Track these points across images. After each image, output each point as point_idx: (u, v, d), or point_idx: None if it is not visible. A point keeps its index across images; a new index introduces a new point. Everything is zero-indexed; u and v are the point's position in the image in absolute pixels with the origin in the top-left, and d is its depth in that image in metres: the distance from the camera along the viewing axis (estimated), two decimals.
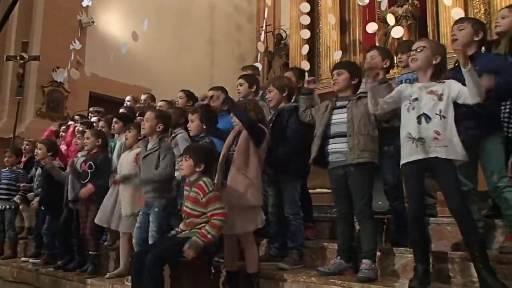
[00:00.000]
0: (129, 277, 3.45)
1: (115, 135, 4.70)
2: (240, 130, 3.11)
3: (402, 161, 2.59)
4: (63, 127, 5.84)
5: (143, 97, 5.83)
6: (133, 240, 3.55)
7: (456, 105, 2.52)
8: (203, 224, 2.90)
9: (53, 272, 4.38)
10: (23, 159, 5.73)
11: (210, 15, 10.87)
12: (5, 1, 1.78)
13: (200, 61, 10.18)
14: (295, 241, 3.27)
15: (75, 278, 4.08)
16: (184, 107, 4.44)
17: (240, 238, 3.04)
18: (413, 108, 2.55)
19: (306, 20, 7.55)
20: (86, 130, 4.67)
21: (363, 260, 2.78)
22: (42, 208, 4.88)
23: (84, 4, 7.23)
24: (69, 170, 4.37)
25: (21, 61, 7.67)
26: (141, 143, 3.73)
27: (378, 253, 2.90)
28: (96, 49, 8.62)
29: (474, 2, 7.56)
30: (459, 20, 3.03)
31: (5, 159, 5.60)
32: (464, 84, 2.48)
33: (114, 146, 4.52)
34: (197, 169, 2.99)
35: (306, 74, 4.66)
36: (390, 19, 7.16)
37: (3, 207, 5.48)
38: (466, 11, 7.18)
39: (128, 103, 6.02)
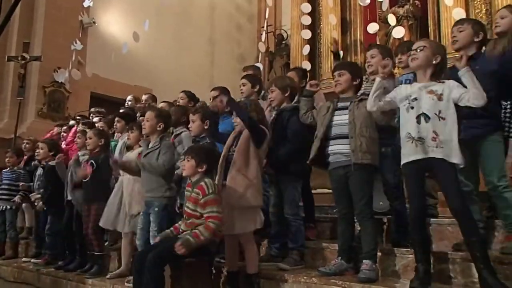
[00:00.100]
0: (130, 277, 3.46)
1: (115, 134, 4.70)
2: (240, 130, 3.11)
3: (402, 161, 2.59)
4: (64, 127, 5.84)
5: (144, 97, 5.83)
6: (137, 242, 3.56)
7: (458, 106, 2.52)
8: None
9: (54, 272, 4.39)
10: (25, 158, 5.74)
11: (211, 15, 10.88)
12: (6, 2, 1.78)
13: (200, 61, 10.19)
14: (296, 242, 3.28)
15: (76, 278, 4.08)
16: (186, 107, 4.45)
17: (240, 238, 3.04)
18: (412, 108, 2.55)
19: (307, 20, 7.56)
20: (87, 130, 4.68)
21: (364, 261, 2.78)
22: (45, 208, 4.88)
23: (85, 4, 7.25)
24: (72, 167, 4.36)
25: (23, 62, 7.70)
26: (142, 142, 3.74)
27: (379, 254, 2.90)
28: (97, 49, 8.63)
29: (475, 2, 7.56)
30: (459, 22, 3.03)
31: (6, 159, 5.61)
32: (463, 85, 2.49)
33: (115, 146, 4.52)
34: (199, 170, 3.00)
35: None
36: (391, 20, 7.17)
37: (4, 207, 5.49)
38: (467, 11, 7.18)
39: (129, 103, 6.02)
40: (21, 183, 5.44)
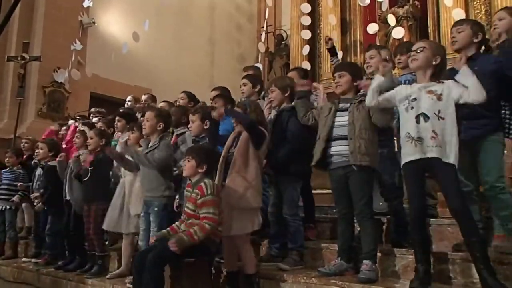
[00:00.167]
0: (130, 277, 3.46)
1: (115, 134, 4.70)
2: (240, 131, 3.11)
3: (402, 161, 2.60)
4: (64, 127, 5.84)
5: (144, 97, 5.83)
6: (139, 243, 3.56)
7: (458, 106, 2.52)
8: None
9: (54, 272, 4.39)
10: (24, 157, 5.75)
11: (210, 15, 10.88)
12: (6, 2, 1.78)
13: (200, 61, 10.19)
14: (295, 242, 3.28)
15: (76, 278, 4.08)
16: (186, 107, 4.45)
17: (236, 239, 3.02)
18: (412, 108, 2.55)
19: (307, 20, 7.56)
20: (87, 130, 4.69)
21: (364, 261, 2.78)
22: (45, 208, 4.88)
23: (85, 4, 7.25)
24: (73, 167, 4.36)
25: (22, 62, 7.69)
26: (142, 141, 3.74)
27: (379, 254, 2.90)
28: (97, 49, 8.63)
29: (474, 2, 7.58)
30: (458, 22, 3.03)
31: (6, 159, 5.61)
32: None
33: (115, 146, 4.52)
34: (200, 170, 3.00)
35: None
36: (391, 20, 7.17)
37: (4, 207, 5.49)
38: (466, 12, 7.19)
39: (129, 103, 6.02)
40: (19, 183, 5.44)
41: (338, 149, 2.92)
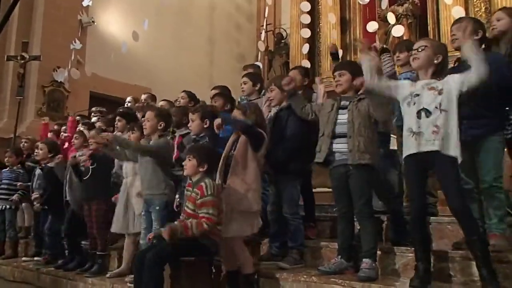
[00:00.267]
0: (130, 276, 3.46)
1: (115, 133, 4.70)
2: (239, 134, 3.11)
3: (403, 155, 2.61)
4: (64, 127, 5.84)
5: (143, 97, 5.83)
6: (140, 241, 3.56)
7: (461, 100, 2.51)
8: None
9: (54, 271, 4.39)
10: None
11: (210, 14, 10.87)
12: (5, 1, 1.78)
13: (200, 61, 10.18)
14: (295, 241, 3.27)
15: (76, 277, 4.08)
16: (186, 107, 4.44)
17: (229, 241, 3.00)
18: (414, 104, 2.56)
19: (307, 19, 7.54)
20: (86, 130, 4.69)
21: (364, 259, 2.78)
22: (45, 207, 4.88)
23: (84, 4, 7.23)
24: (70, 162, 4.36)
25: (22, 61, 7.69)
26: (143, 141, 3.75)
27: (379, 252, 2.90)
28: (96, 48, 8.62)
29: (474, 0, 7.57)
30: (458, 20, 3.03)
31: (6, 159, 5.61)
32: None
33: None
34: (201, 169, 3.00)
35: None
36: (391, 18, 7.16)
37: (3, 207, 5.50)
38: (466, 9, 7.18)
39: (129, 104, 6.02)
40: (19, 183, 5.44)
41: (339, 146, 2.92)
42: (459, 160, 2.44)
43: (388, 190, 3.23)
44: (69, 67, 7.44)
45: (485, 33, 2.94)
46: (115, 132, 4.72)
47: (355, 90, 3.05)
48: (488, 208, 2.77)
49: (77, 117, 6.05)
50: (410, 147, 2.54)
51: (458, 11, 6.00)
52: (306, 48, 7.88)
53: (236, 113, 3.25)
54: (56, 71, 7.98)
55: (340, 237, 3.02)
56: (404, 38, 6.99)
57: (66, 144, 5.45)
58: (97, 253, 4.10)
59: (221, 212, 2.94)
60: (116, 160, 4.14)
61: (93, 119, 5.81)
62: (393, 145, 3.74)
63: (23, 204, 5.60)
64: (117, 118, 4.58)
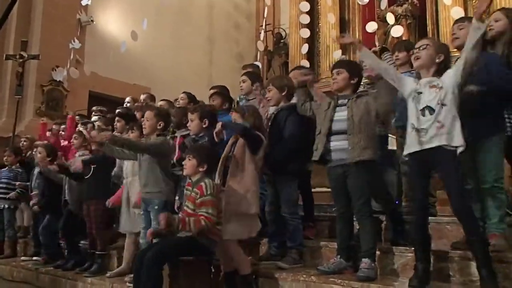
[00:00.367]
0: (129, 275, 3.46)
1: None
2: (237, 136, 3.11)
3: (405, 152, 2.61)
4: (63, 126, 5.83)
5: (142, 97, 5.83)
6: (140, 241, 3.56)
7: (462, 104, 2.52)
8: None
9: (53, 271, 4.39)
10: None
11: (209, 14, 10.86)
12: (4, 1, 1.78)
13: (199, 60, 10.18)
14: (294, 241, 3.27)
15: (75, 277, 4.07)
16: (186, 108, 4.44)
17: (225, 244, 2.99)
18: (418, 101, 2.57)
19: (306, 19, 7.54)
20: (84, 131, 4.70)
21: (363, 259, 2.78)
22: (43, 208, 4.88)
23: (83, 3, 7.22)
24: (54, 169, 4.37)
25: (21, 60, 7.65)
26: (142, 141, 3.74)
27: (378, 252, 2.90)
28: (95, 48, 8.61)
29: (473, 1, 7.58)
30: (460, 20, 3.05)
31: (4, 158, 5.61)
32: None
33: None
34: (200, 169, 2.99)
35: None
36: (390, 18, 7.16)
37: (2, 206, 5.49)
38: (465, 10, 7.19)
39: (128, 104, 6.01)
40: (17, 183, 5.43)
41: (338, 143, 2.92)
42: (464, 147, 2.45)
43: (386, 190, 3.23)
44: (68, 66, 7.43)
45: (485, 33, 2.93)
46: (114, 132, 4.73)
47: (353, 89, 3.06)
48: (488, 208, 2.77)
49: (77, 117, 6.05)
50: (413, 145, 2.55)
51: (457, 12, 6.01)
52: (305, 48, 7.88)
53: (235, 116, 3.25)
54: (55, 70, 7.98)
55: (339, 237, 3.02)
56: (403, 38, 7.01)
57: (65, 142, 5.46)
58: (96, 252, 4.10)
59: (220, 212, 2.94)
60: (117, 161, 4.14)
61: (93, 118, 5.80)
62: (392, 146, 3.76)
63: (22, 203, 5.59)
64: (116, 118, 4.58)
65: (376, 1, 7.44)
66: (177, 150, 3.74)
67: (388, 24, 7.56)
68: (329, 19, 8.12)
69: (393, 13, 7.64)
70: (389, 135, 3.70)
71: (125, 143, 3.51)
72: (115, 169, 4.17)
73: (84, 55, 8.45)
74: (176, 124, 3.97)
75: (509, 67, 2.87)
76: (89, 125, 5.23)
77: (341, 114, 2.95)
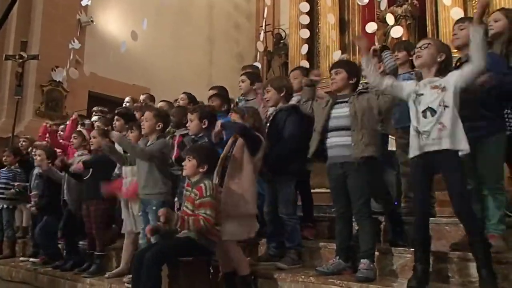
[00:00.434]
0: (128, 276, 3.46)
1: None
2: (237, 137, 3.11)
3: (410, 156, 2.60)
4: (62, 126, 5.83)
5: (142, 97, 5.82)
6: (140, 241, 3.56)
7: (461, 105, 2.51)
8: None
9: (52, 271, 4.38)
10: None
11: (209, 14, 10.87)
12: (4, 1, 1.78)
13: (198, 60, 10.18)
14: (292, 241, 3.27)
15: (74, 277, 4.07)
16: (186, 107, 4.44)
17: (224, 245, 2.99)
18: (419, 103, 2.57)
19: (306, 19, 7.55)
20: (84, 131, 4.70)
21: (362, 260, 2.78)
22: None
23: (83, 3, 7.22)
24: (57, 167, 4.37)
25: (20, 60, 7.67)
26: (141, 141, 3.75)
27: (377, 253, 2.90)
28: (95, 48, 8.61)
29: (473, 2, 7.58)
30: (460, 20, 3.05)
31: (4, 158, 5.61)
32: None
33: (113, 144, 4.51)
34: (200, 170, 2.98)
35: None
36: (390, 19, 7.17)
37: (1, 206, 5.49)
38: (465, 10, 7.20)
39: (127, 104, 6.01)
40: (16, 183, 5.43)
41: (336, 140, 2.92)
42: (468, 151, 2.44)
43: (387, 189, 3.23)
44: (68, 66, 7.44)
45: (487, 33, 2.93)
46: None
47: (351, 89, 3.05)
48: (488, 209, 2.77)
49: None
50: (416, 148, 2.54)
51: (457, 12, 6.01)
52: (305, 48, 7.88)
53: (234, 117, 3.25)
54: (55, 70, 7.99)
55: (338, 238, 3.01)
56: (403, 39, 7.00)
57: (63, 142, 5.47)
58: (95, 253, 4.10)
59: (218, 213, 2.94)
60: None
61: (94, 118, 5.80)
62: (392, 146, 3.75)
63: (21, 204, 5.59)
64: (116, 118, 4.58)
65: (376, 2, 7.42)
66: (175, 149, 3.73)
67: (388, 24, 7.56)
68: (329, 19, 8.13)
69: (392, 13, 7.65)
70: (389, 136, 3.69)
71: (132, 148, 3.51)
72: (116, 170, 4.17)
73: (84, 55, 8.46)
74: (175, 124, 3.97)
75: (508, 66, 2.87)
76: (87, 121, 5.21)
77: (341, 110, 2.95)
